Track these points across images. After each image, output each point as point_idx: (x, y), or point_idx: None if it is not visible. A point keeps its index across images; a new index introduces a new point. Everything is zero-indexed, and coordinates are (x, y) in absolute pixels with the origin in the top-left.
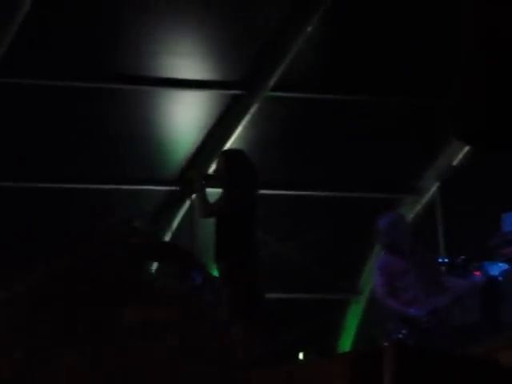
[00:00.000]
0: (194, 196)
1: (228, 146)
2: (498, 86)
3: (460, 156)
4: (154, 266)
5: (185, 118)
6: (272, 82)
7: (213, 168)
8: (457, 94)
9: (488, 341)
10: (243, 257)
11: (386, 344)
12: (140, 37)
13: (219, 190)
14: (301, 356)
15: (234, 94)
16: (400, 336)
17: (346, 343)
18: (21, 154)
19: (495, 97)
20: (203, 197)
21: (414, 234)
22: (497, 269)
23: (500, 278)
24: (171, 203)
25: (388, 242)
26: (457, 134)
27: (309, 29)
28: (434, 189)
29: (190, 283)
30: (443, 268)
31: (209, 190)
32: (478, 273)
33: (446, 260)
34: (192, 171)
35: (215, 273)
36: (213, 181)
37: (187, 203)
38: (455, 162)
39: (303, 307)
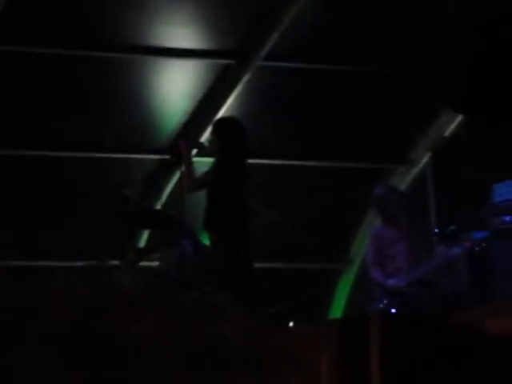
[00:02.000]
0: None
1: (219, 115)
2: (487, 54)
3: (452, 126)
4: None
5: (176, 87)
6: (264, 51)
7: (205, 137)
8: (443, 61)
9: (474, 309)
10: (233, 226)
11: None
12: (131, 5)
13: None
14: (291, 325)
15: (226, 64)
16: (381, 306)
17: (336, 313)
18: (14, 122)
19: (482, 64)
20: (190, 170)
21: (411, 204)
22: (486, 238)
23: (489, 247)
24: (162, 172)
25: (382, 212)
26: (444, 100)
27: None
28: (425, 159)
29: (180, 251)
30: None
31: (201, 159)
32: (467, 243)
33: (437, 230)
34: (180, 140)
35: (206, 241)
36: (205, 149)
37: (178, 172)
38: (447, 133)
39: (294, 277)
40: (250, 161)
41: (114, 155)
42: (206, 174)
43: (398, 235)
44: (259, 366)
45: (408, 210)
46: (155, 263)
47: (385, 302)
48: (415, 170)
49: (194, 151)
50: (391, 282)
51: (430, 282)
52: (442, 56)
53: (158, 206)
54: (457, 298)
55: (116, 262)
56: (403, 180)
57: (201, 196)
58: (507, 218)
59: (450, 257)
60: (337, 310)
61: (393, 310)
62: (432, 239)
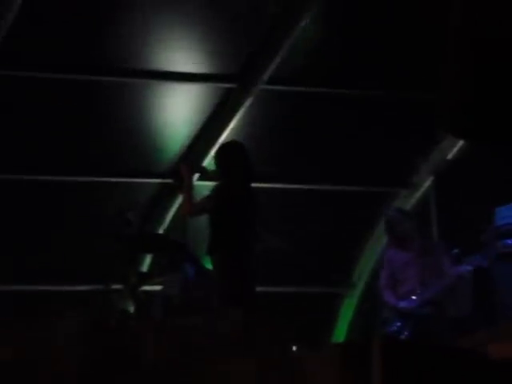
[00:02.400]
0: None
1: (222, 139)
2: (485, 80)
3: (454, 150)
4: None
5: (179, 111)
6: (266, 75)
7: (207, 161)
8: (445, 87)
9: (478, 333)
10: (236, 250)
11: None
12: (134, 30)
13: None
14: (294, 349)
15: (228, 88)
16: (394, 328)
17: (339, 337)
18: (15, 147)
19: (482, 90)
20: (190, 194)
21: (422, 227)
22: (488, 262)
23: (491, 271)
24: (164, 196)
25: (393, 234)
26: (445, 126)
27: (303, 23)
28: (428, 183)
29: (183, 275)
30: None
31: (204, 184)
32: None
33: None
34: (182, 165)
35: (208, 265)
36: (207, 173)
37: (180, 196)
38: (449, 156)
39: (296, 301)
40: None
41: (115, 179)
42: (207, 198)
43: (409, 258)
44: None
45: (419, 232)
46: (158, 287)
47: (398, 324)
48: (418, 194)
49: (196, 175)
50: (403, 304)
51: (440, 303)
52: (442, 82)
53: (161, 231)
54: (461, 322)
55: (118, 287)
56: (406, 203)
57: (203, 220)
58: (509, 242)
59: (458, 275)
60: (340, 334)
61: (406, 333)
62: (444, 258)
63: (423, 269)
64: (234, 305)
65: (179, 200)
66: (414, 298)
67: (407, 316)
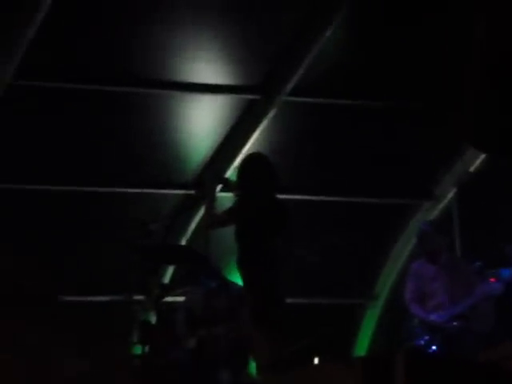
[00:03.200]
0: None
1: (245, 150)
2: (509, 94)
3: (477, 162)
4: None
5: (202, 122)
6: (289, 86)
7: (230, 172)
8: (469, 101)
9: (502, 348)
10: (263, 263)
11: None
12: (158, 41)
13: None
14: (316, 361)
15: (251, 99)
16: (422, 342)
17: (361, 348)
18: (40, 157)
19: (506, 103)
20: (211, 206)
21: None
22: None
23: None
24: (187, 207)
25: (424, 247)
26: (470, 140)
27: (326, 34)
28: (451, 195)
29: (204, 287)
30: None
31: (227, 195)
32: (493, 279)
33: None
34: (203, 174)
35: (231, 277)
36: (230, 185)
37: (203, 207)
38: (472, 168)
39: (319, 312)
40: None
41: (139, 190)
42: (228, 210)
43: (437, 271)
44: None
45: (449, 246)
46: (180, 299)
47: (426, 338)
48: (441, 206)
49: (219, 187)
50: (433, 317)
51: (469, 318)
52: (466, 95)
53: (183, 242)
54: (485, 335)
55: (140, 298)
56: (429, 215)
57: (226, 232)
58: None
59: (490, 292)
60: (362, 345)
61: (434, 347)
62: (472, 275)
63: (451, 283)
64: (262, 319)
65: (202, 211)
66: (442, 312)
67: (435, 330)
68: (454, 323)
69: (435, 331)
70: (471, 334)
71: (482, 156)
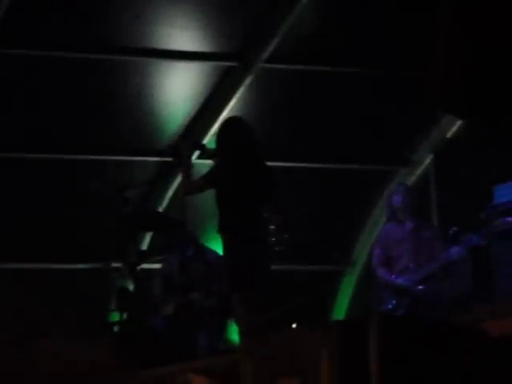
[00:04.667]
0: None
1: (222, 117)
2: (483, 58)
3: (454, 128)
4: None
5: (179, 89)
6: (266, 53)
7: (207, 139)
8: (440, 66)
9: (475, 310)
10: (244, 228)
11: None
12: (134, 8)
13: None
14: (294, 327)
15: (228, 66)
16: (390, 306)
17: (339, 314)
18: (14, 124)
19: (471, 67)
20: (187, 173)
21: (421, 207)
22: (487, 240)
23: (490, 249)
24: (164, 174)
25: (388, 213)
26: (435, 103)
27: (303, 0)
28: (427, 161)
29: (182, 254)
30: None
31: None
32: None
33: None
34: (179, 141)
35: (215, 246)
36: (207, 151)
37: (179, 174)
38: (449, 135)
39: (297, 278)
40: None
41: (115, 157)
42: (204, 177)
43: (404, 234)
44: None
45: (418, 211)
46: (157, 266)
47: (393, 302)
48: (418, 172)
49: (196, 153)
50: (399, 280)
51: (430, 281)
52: (437, 60)
53: (160, 209)
54: (460, 299)
55: (118, 265)
56: (406, 181)
57: (203, 199)
58: (508, 219)
59: (449, 258)
60: (340, 312)
61: (401, 311)
62: (438, 240)
63: (417, 247)
64: (244, 285)
65: (178, 178)
66: (409, 275)
67: (402, 294)
68: (420, 287)
69: (402, 295)
70: (440, 298)
71: (459, 122)
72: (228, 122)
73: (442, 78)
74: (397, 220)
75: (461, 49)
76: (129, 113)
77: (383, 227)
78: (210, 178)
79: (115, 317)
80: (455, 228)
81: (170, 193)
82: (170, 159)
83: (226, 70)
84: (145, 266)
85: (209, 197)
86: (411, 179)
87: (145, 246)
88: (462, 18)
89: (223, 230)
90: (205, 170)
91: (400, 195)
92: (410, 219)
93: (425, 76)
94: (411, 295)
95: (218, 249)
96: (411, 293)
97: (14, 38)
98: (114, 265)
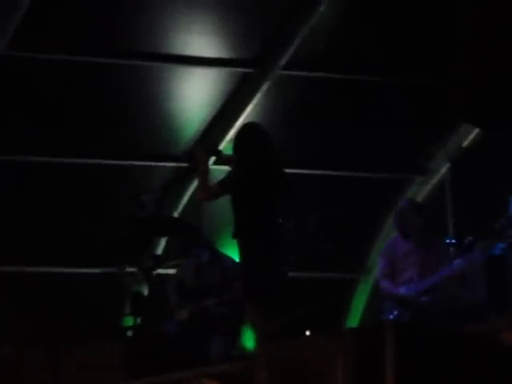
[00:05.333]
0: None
1: (238, 124)
2: (501, 68)
3: (470, 137)
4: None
5: (196, 95)
6: (284, 60)
7: (224, 145)
8: (460, 75)
9: (491, 320)
10: (259, 234)
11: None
12: (153, 14)
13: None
14: (308, 334)
15: (245, 72)
16: (391, 317)
17: (353, 322)
18: (32, 128)
19: (495, 77)
20: (204, 178)
21: (428, 218)
22: (501, 249)
23: (505, 258)
24: (180, 179)
25: (400, 227)
26: (457, 112)
27: (321, 8)
28: (444, 170)
29: (197, 259)
30: (451, 250)
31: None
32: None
33: (454, 241)
34: (196, 146)
35: (224, 249)
36: (223, 157)
37: (195, 180)
38: (465, 144)
39: (311, 286)
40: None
41: (132, 162)
42: (220, 183)
43: (411, 248)
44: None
45: (425, 224)
46: (172, 271)
47: (395, 313)
48: (434, 181)
49: (212, 159)
50: (401, 290)
51: (432, 292)
52: (457, 70)
53: (176, 214)
54: (474, 309)
55: (133, 269)
56: (422, 190)
57: (219, 205)
58: None
59: (454, 270)
60: (354, 320)
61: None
62: (447, 254)
63: (423, 260)
64: (259, 291)
65: (195, 184)
66: (412, 285)
67: (404, 304)
68: (423, 298)
69: (404, 306)
70: (442, 309)
71: (476, 131)
72: (245, 129)
73: (464, 87)
74: (405, 235)
75: (484, 58)
76: (145, 118)
77: (390, 238)
78: (226, 184)
79: (129, 321)
80: (470, 237)
81: (186, 198)
82: (186, 165)
83: (243, 76)
84: (160, 271)
85: (225, 203)
86: (427, 188)
87: (160, 250)
88: (486, 23)
89: (239, 236)
90: (221, 176)
91: (407, 213)
92: (418, 234)
93: (446, 85)
94: (413, 306)
95: (234, 255)
96: (413, 303)
97: (32, 43)
98: (129, 269)
